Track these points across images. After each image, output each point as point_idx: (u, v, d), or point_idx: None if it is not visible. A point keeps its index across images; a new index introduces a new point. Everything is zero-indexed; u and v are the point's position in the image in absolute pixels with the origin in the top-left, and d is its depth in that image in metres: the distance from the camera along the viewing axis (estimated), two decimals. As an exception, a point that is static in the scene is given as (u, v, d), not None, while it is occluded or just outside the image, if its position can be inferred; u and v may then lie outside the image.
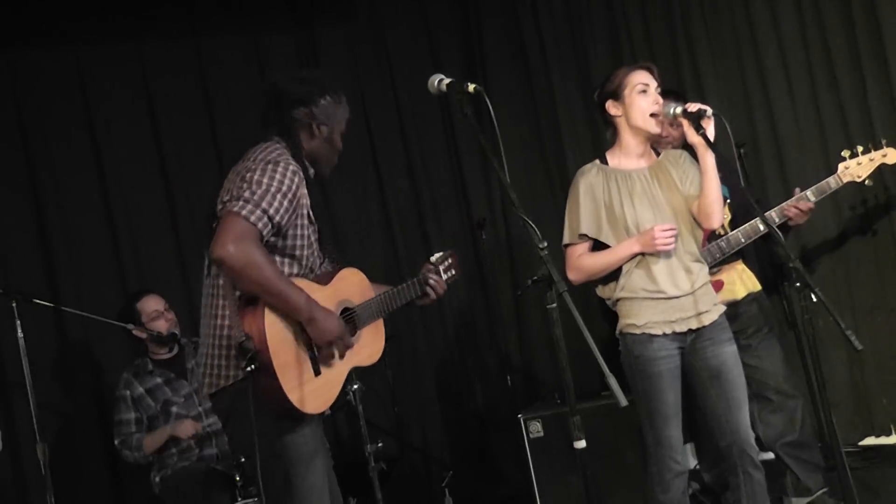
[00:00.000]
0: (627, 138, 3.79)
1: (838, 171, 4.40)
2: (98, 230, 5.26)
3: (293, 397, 3.00)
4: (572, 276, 3.82)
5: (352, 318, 3.25)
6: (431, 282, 3.49)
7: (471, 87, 2.99)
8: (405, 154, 5.97)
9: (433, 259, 3.60)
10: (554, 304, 2.76)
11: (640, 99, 3.72)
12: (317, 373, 3.09)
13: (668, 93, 4.44)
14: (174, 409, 4.66)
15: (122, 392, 4.68)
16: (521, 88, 5.93)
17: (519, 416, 4.94)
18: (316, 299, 3.08)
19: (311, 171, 3.24)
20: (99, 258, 5.24)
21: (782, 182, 5.17)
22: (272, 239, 3.07)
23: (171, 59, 5.48)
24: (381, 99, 5.93)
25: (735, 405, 3.70)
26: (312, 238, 3.20)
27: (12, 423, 4.82)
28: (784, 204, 4.39)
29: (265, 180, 3.02)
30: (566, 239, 3.84)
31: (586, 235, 3.77)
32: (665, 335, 3.68)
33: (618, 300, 3.77)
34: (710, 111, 3.62)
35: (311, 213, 3.18)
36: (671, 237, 3.64)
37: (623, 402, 2.62)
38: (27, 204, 5.14)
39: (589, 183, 3.78)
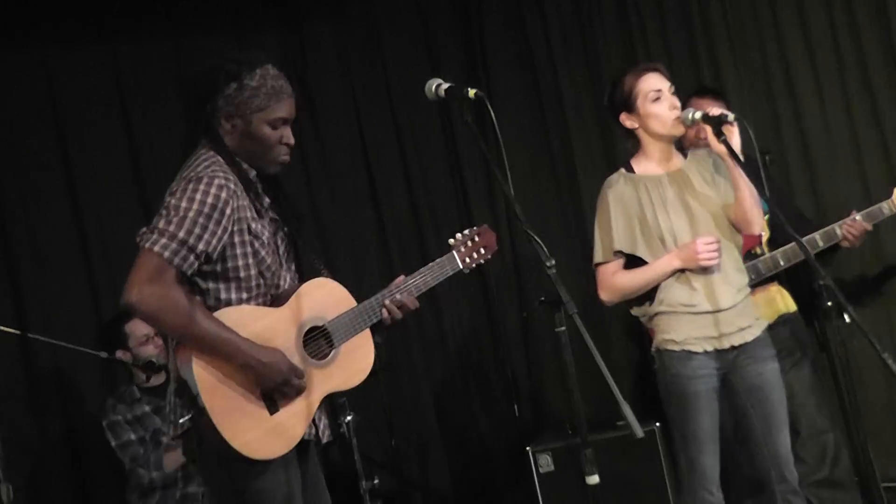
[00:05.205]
0: (650, 147, 3.87)
1: (893, 197, 4.42)
2: (68, 249, 5.22)
3: (237, 444, 2.92)
4: (606, 296, 3.88)
5: (325, 336, 3.14)
6: (387, 302, 3.24)
7: (471, 91, 3.01)
8: (402, 164, 5.95)
9: (452, 241, 3.46)
10: (563, 328, 2.78)
11: (656, 107, 3.80)
12: (272, 411, 3.01)
13: (706, 91, 4.49)
14: (164, 439, 4.65)
15: (112, 418, 4.69)
16: (526, 92, 5.93)
17: (527, 448, 4.97)
18: (264, 326, 3.01)
19: (252, 172, 3.12)
20: (70, 280, 5.20)
21: (811, 193, 5.20)
22: (206, 267, 2.99)
23: (147, 60, 5.47)
24: (376, 104, 5.92)
25: (776, 427, 3.78)
26: (263, 252, 3.07)
27: (-26, 462, 4.82)
28: (834, 226, 4.38)
29: (183, 204, 2.93)
30: (598, 257, 3.88)
31: (621, 252, 3.83)
32: (706, 353, 3.74)
33: (655, 314, 3.81)
34: (731, 116, 3.64)
35: (251, 225, 3.05)
36: (715, 251, 3.69)
37: (639, 433, 2.63)
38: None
39: (618, 194, 3.84)
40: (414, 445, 5.81)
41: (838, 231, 4.41)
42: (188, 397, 2.92)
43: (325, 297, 3.18)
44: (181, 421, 2.93)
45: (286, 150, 3.15)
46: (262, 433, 2.97)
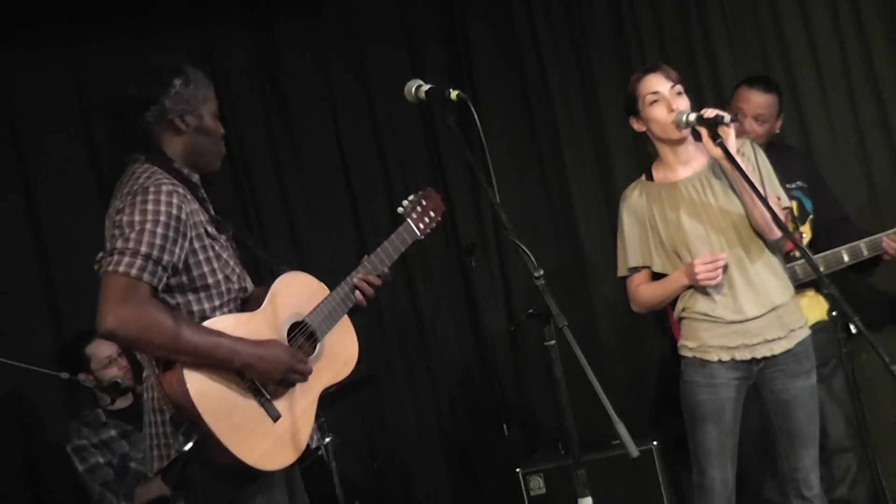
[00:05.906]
0: (663, 150, 3.89)
1: None
2: (27, 266, 5.19)
3: (250, 459, 2.90)
4: (634, 307, 4.02)
5: (307, 332, 3.15)
6: (356, 280, 3.27)
7: (453, 93, 3.01)
8: (382, 172, 5.95)
9: (401, 210, 3.47)
10: (553, 341, 2.78)
11: (653, 111, 3.81)
12: (275, 418, 2.99)
13: (757, 80, 4.47)
14: (133, 465, 4.62)
15: (77, 442, 4.65)
16: (514, 96, 5.94)
17: (517, 470, 5.00)
18: (248, 333, 2.98)
19: (195, 176, 3.13)
20: (28, 297, 5.17)
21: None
22: (172, 280, 2.95)
23: (111, 67, 5.35)
24: (354, 107, 5.92)
25: (799, 444, 3.79)
26: (224, 255, 3.07)
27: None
28: (881, 235, 4.33)
29: (137, 218, 2.88)
30: (619, 272, 4.00)
31: (637, 267, 3.92)
32: (721, 362, 3.76)
33: (680, 319, 3.88)
34: (727, 118, 3.61)
35: (207, 228, 3.04)
36: (715, 270, 3.67)
37: (634, 452, 2.62)
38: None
39: (631, 207, 3.92)
40: (397, 468, 5.80)
41: (884, 241, 4.36)
42: (188, 423, 2.85)
43: (299, 291, 3.20)
44: (186, 448, 2.85)
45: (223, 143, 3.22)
46: (271, 443, 2.98)
